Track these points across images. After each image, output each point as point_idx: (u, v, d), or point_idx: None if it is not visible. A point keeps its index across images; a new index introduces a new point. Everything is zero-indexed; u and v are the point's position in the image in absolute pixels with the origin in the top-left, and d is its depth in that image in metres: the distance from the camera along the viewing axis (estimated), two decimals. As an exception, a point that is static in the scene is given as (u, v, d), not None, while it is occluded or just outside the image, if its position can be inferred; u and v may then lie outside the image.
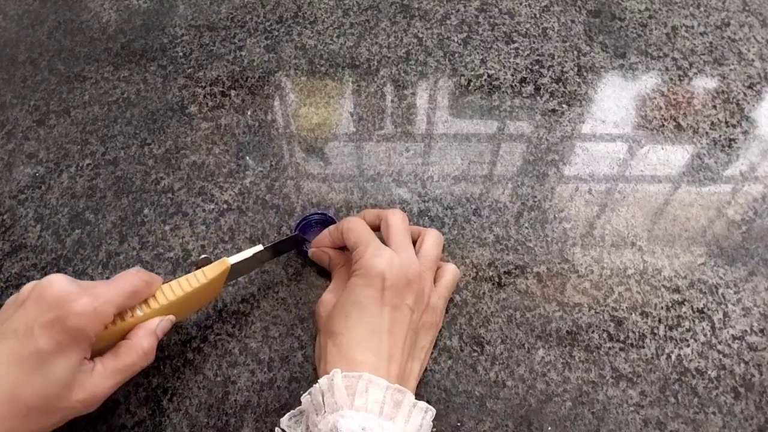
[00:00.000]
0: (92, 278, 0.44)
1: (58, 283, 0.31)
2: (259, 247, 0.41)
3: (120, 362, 0.33)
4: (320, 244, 0.43)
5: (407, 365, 0.36)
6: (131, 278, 0.35)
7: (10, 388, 0.29)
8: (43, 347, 0.29)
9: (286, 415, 0.34)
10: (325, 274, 0.44)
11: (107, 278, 0.44)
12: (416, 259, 0.38)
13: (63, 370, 0.30)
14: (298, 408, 0.34)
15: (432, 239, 0.41)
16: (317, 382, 0.33)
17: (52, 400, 0.30)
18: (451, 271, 0.42)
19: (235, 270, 0.40)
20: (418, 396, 0.39)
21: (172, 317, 0.37)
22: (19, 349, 0.30)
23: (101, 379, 0.32)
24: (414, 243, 0.41)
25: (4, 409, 0.29)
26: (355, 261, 0.37)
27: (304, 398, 0.34)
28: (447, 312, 0.43)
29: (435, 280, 0.41)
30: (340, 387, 0.32)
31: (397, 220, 0.40)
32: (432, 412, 0.34)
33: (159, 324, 0.35)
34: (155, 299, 0.36)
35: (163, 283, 0.37)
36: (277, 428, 0.34)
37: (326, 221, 0.46)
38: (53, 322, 0.30)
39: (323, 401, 0.32)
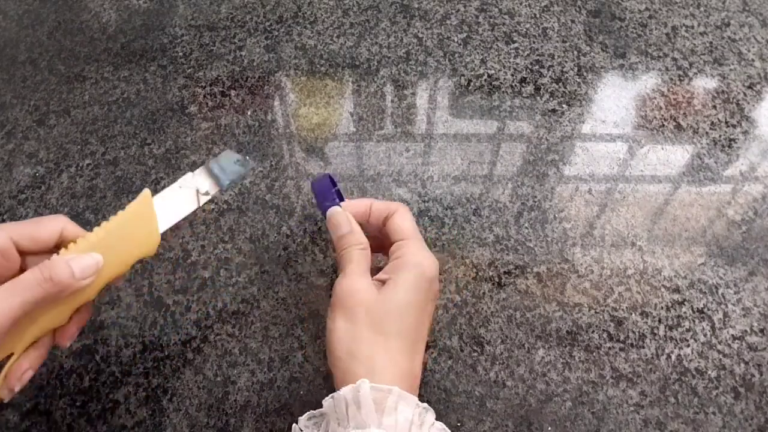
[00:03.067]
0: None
1: None
2: (188, 176, 0.35)
3: (16, 282, 0.28)
4: (353, 211, 0.37)
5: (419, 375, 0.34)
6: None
7: None
8: None
9: (306, 415, 0.32)
10: (326, 274, 0.44)
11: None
12: None
13: None
14: (319, 410, 0.32)
15: (409, 216, 0.37)
16: (339, 390, 0.30)
17: None
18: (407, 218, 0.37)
19: (165, 204, 0.34)
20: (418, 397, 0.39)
21: (97, 256, 0.31)
22: None
23: None
24: (385, 220, 0.37)
25: None
26: (403, 255, 0.34)
27: (327, 402, 0.31)
28: (447, 312, 0.43)
29: None
30: (368, 402, 0.29)
31: (411, 216, 0.37)
32: None
33: (77, 258, 0.30)
34: (79, 242, 0.31)
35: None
36: (294, 425, 0.32)
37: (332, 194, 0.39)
38: None
39: (347, 413, 0.29)
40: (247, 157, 0.35)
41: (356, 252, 0.35)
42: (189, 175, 0.35)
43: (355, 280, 0.34)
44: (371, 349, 0.31)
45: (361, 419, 0.29)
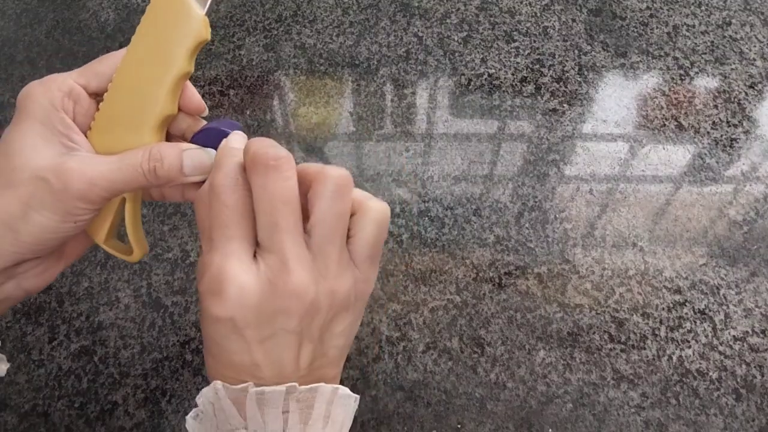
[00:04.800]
0: (90, 280, 0.44)
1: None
2: None
3: (123, 156, 0.26)
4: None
5: (316, 362, 0.26)
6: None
7: None
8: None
9: (192, 412, 0.26)
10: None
11: (105, 280, 0.44)
12: (314, 278, 0.24)
13: (8, 139, 0.26)
14: (197, 409, 0.26)
15: (372, 224, 0.26)
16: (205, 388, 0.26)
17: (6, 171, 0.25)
18: (373, 219, 0.26)
19: None
20: (417, 398, 0.39)
21: (212, 153, 0.28)
22: None
23: (90, 160, 0.26)
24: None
25: None
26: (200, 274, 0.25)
27: (198, 400, 0.26)
28: (447, 313, 0.42)
29: (350, 234, 0.26)
30: (227, 405, 0.25)
31: (331, 205, 0.25)
32: (355, 399, 0.26)
33: (194, 151, 0.27)
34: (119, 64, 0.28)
35: None
36: (186, 418, 0.27)
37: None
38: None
39: (215, 415, 0.25)
40: None
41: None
42: None
43: (206, 257, 0.26)
44: (207, 352, 0.26)
45: (228, 424, 0.24)
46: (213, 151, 0.28)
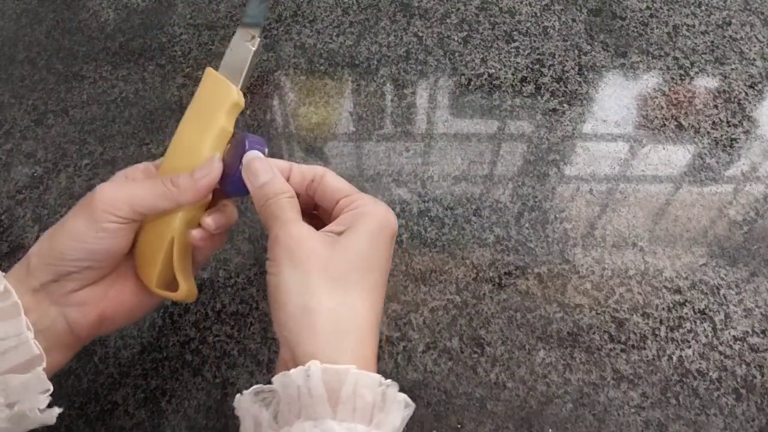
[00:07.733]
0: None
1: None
2: (234, 38, 0.36)
3: (148, 181, 0.32)
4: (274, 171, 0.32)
5: None
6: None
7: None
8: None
9: (253, 389, 0.27)
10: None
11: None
12: None
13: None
14: (269, 386, 0.27)
15: (341, 179, 0.33)
16: (289, 370, 0.26)
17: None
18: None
19: (228, 70, 0.35)
20: (417, 398, 0.39)
21: (216, 160, 0.32)
22: None
23: (122, 181, 0.33)
24: (311, 184, 0.33)
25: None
26: (359, 206, 0.30)
27: (277, 380, 0.26)
28: (447, 313, 0.42)
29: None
30: (318, 389, 0.25)
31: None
32: (411, 408, 0.27)
33: (198, 168, 0.32)
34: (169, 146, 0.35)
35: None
36: (239, 396, 0.27)
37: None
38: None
39: (299, 398, 0.25)
40: None
41: (285, 200, 0.30)
42: (235, 37, 0.36)
43: (300, 227, 0.29)
44: (333, 300, 0.27)
45: (313, 410, 0.25)
46: (216, 157, 0.33)
